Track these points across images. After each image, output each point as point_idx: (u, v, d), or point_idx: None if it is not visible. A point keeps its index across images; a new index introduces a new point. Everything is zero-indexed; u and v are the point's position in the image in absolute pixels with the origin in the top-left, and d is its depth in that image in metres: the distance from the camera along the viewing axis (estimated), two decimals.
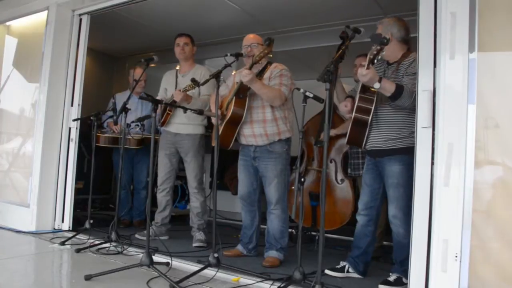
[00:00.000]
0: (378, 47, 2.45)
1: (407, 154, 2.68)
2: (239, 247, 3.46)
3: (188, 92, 3.64)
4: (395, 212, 2.73)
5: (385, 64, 2.89)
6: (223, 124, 3.22)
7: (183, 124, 3.84)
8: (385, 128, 2.77)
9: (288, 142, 3.31)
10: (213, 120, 3.39)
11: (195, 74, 3.80)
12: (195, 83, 3.49)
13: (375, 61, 2.50)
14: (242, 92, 3.17)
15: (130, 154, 4.53)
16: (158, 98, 3.92)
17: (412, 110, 2.63)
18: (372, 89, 2.65)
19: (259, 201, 3.44)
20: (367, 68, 2.46)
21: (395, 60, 2.82)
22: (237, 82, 3.23)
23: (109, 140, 4.48)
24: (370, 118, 2.72)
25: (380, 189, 2.90)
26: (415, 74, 2.61)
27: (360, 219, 2.96)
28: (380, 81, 2.52)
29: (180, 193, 5.44)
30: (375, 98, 2.71)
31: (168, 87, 4.01)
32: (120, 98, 4.43)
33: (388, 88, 2.56)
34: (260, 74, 3.20)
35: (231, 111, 3.16)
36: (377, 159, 2.85)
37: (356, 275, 2.94)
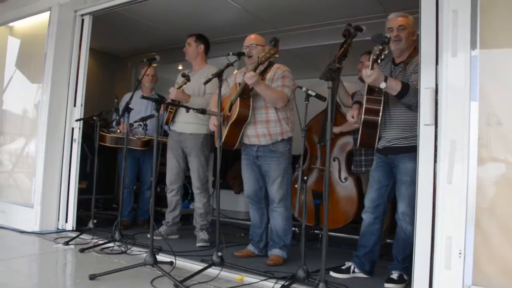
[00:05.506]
0: (381, 47, 2.45)
1: None
2: (250, 247, 3.43)
3: (187, 90, 3.63)
4: (405, 210, 2.70)
5: (391, 63, 2.88)
6: (229, 125, 3.20)
7: (187, 123, 3.84)
8: (398, 126, 2.75)
9: (290, 141, 3.30)
10: (213, 120, 3.38)
11: (203, 73, 3.79)
12: (185, 78, 3.50)
13: (379, 60, 2.50)
14: (246, 93, 3.16)
15: (137, 154, 4.53)
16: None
17: None
18: (378, 89, 2.65)
19: (266, 199, 3.41)
20: (371, 69, 2.46)
21: (401, 60, 2.81)
22: (239, 83, 3.22)
23: (115, 140, 4.48)
24: (379, 119, 2.70)
25: (388, 187, 2.87)
26: None
27: (366, 217, 2.91)
28: (386, 80, 2.51)
29: (183, 192, 5.43)
30: (382, 98, 2.70)
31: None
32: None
33: (394, 86, 2.55)
34: (262, 74, 3.17)
35: (236, 112, 3.13)
36: (389, 156, 2.82)
37: (362, 275, 2.90)
